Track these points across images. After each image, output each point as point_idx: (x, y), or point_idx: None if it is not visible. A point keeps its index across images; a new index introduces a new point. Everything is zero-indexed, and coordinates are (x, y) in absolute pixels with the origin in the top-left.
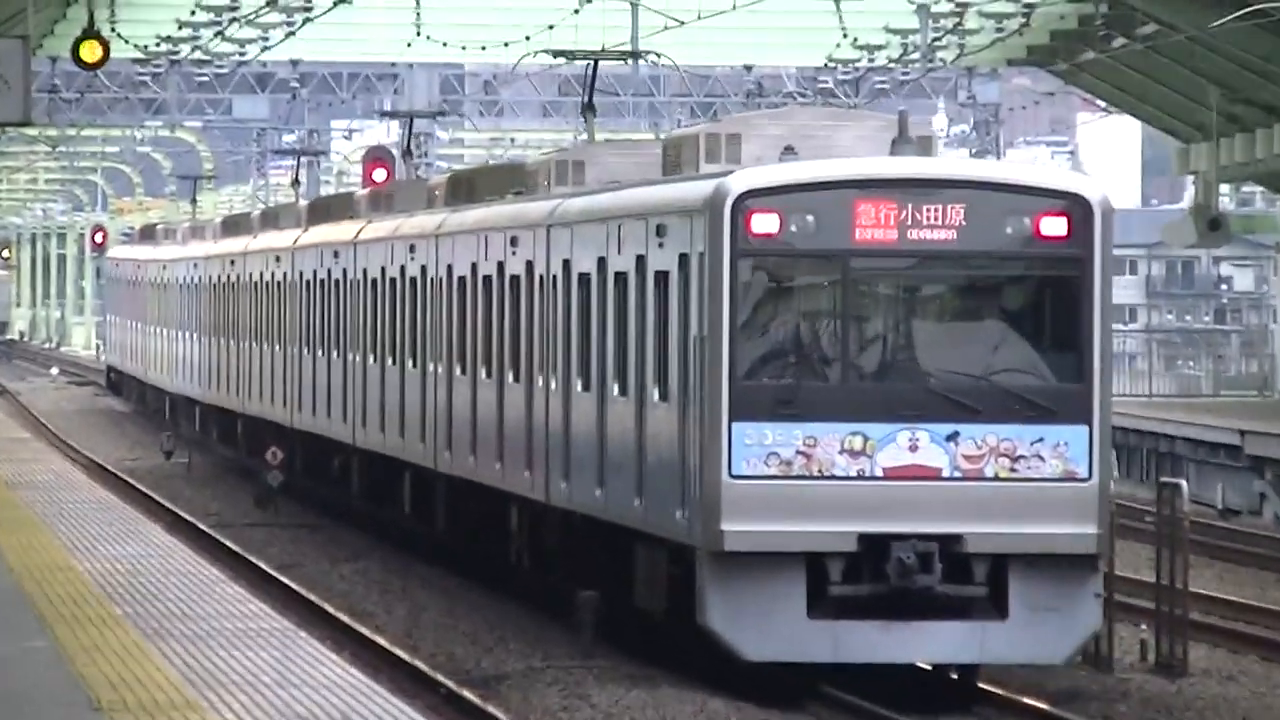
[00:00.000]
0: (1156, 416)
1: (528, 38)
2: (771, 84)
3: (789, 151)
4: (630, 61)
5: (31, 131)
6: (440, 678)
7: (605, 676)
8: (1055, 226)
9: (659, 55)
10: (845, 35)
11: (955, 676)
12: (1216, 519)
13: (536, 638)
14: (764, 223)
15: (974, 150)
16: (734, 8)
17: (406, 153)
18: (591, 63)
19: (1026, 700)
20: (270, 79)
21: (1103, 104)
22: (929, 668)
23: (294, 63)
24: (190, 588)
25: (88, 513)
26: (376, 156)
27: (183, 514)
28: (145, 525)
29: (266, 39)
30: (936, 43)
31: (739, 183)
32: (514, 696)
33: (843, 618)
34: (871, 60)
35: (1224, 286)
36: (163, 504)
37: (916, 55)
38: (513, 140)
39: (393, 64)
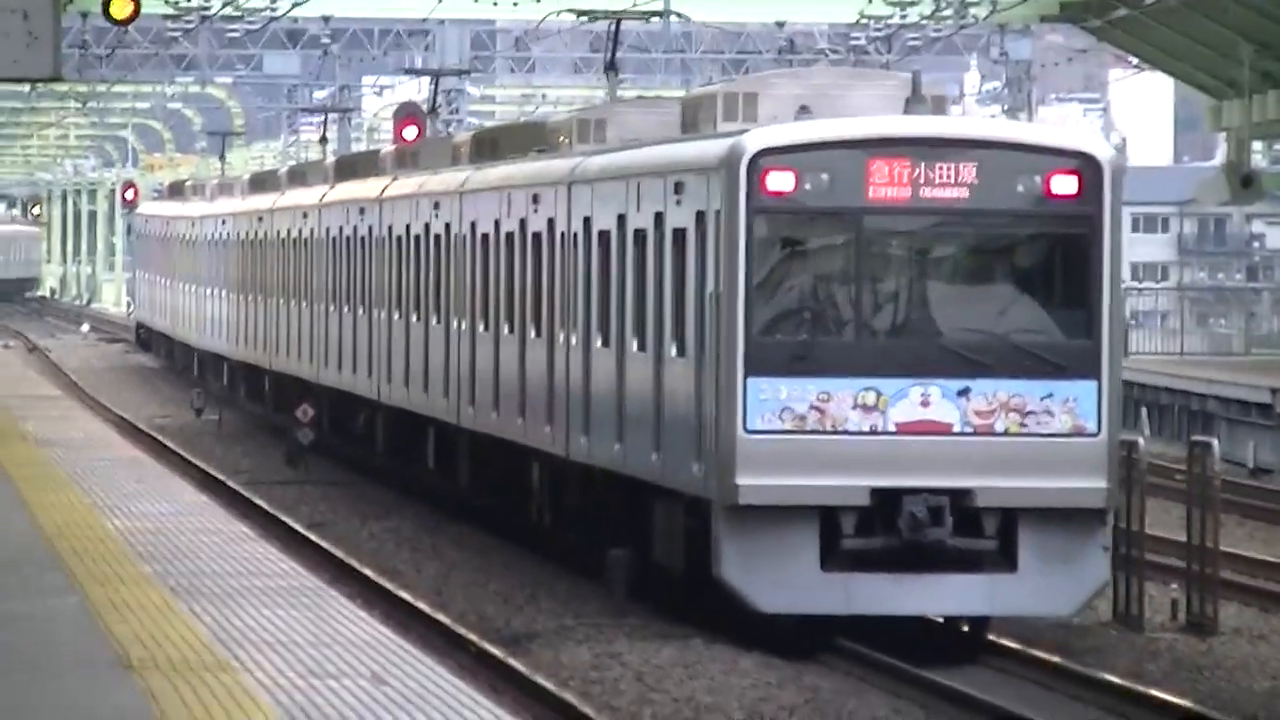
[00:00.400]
0: (1188, 375)
1: None
2: (803, 41)
3: (804, 111)
4: (660, 19)
5: (62, 87)
6: (470, 636)
7: (637, 635)
8: (1066, 185)
9: (679, 15)
10: None
11: (966, 629)
12: (1248, 478)
13: (568, 596)
14: (779, 181)
15: (1006, 107)
16: None
17: (432, 111)
18: (614, 22)
19: (1037, 653)
20: (301, 35)
21: (1135, 61)
22: (940, 620)
23: (325, 19)
24: (220, 546)
25: (117, 470)
26: (408, 113)
27: (213, 472)
28: (175, 483)
29: None
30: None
31: (754, 141)
32: (545, 655)
33: (855, 570)
34: (904, 17)
35: (1256, 244)
36: (193, 462)
37: (949, 12)
38: (544, 97)
39: (424, 20)
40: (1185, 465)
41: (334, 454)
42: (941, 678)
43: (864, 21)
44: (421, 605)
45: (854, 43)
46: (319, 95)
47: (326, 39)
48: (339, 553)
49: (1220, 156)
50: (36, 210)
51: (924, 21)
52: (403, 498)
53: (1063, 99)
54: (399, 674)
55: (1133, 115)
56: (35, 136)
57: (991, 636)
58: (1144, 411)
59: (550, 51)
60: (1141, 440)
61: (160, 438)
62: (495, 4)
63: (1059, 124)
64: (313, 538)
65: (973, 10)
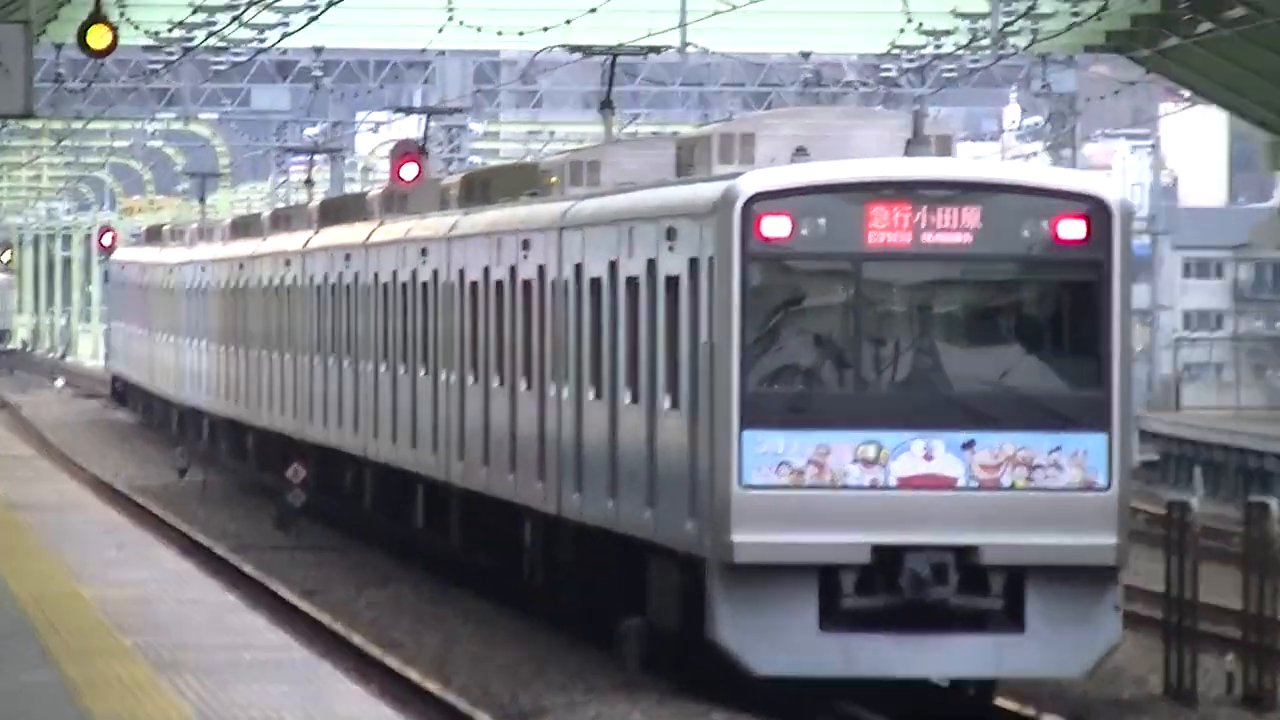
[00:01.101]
0: (1244, 430)
1: (568, 21)
2: (830, 73)
3: (800, 153)
4: (676, 51)
5: (35, 124)
6: (475, 712)
7: (651, 711)
8: (1073, 229)
9: (696, 46)
10: (910, 20)
11: (972, 692)
12: None
13: (578, 668)
14: (774, 226)
15: (1048, 144)
16: None
17: (422, 150)
18: (610, 59)
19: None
20: (291, 67)
21: (1187, 94)
22: (945, 683)
23: (317, 50)
24: (206, 616)
25: (96, 536)
26: (405, 151)
27: (198, 536)
28: (157, 549)
29: (288, 24)
30: (1008, 28)
31: (748, 185)
32: None
33: (856, 630)
34: (938, 47)
35: None
36: (176, 526)
37: (987, 41)
38: (552, 133)
39: (423, 50)
40: (1242, 527)
41: (327, 516)
42: None
43: (895, 52)
44: (423, 680)
45: (884, 75)
46: (310, 132)
47: (318, 71)
48: (333, 623)
49: (1278, 197)
50: (7, 257)
51: (960, 52)
52: (401, 564)
53: (1109, 135)
54: None
55: (1184, 152)
56: (5, 177)
57: (1048, 717)
58: (1197, 470)
59: (559, 85)
60: (1195, 501)
61: (141, 500)
62: (499, 34)
63: (1092, 164)
64: (305, 607)
65: (1012, 40)
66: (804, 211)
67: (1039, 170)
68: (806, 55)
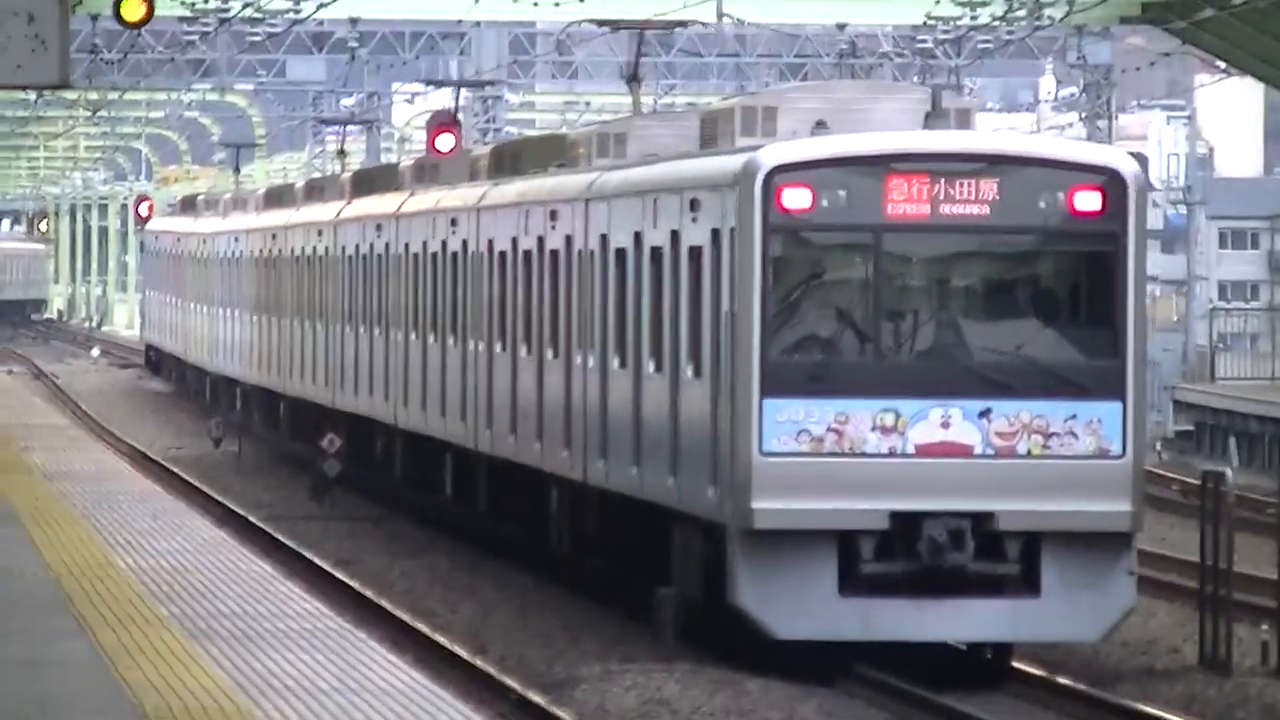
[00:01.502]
0: None
1: None
2: (866, 44)
3: (820, 126)
4: (702, 25)
5: (71, 95)
6: (510, 681)
7: (687, 680)
8: (1089, 201)
9: (733, 18)
10: None
11: (989, 656)
12: None
13: (614, 637)
14: (795, 198)
15: (1083, 115)
16: None
17: (454, 122)
18: (638, 32)
19: (1061, 679)
20: (327, 38)
21: (1223, 65)
22: (964, 647)
23: (353, 21)
24: (241, 586)
25: (130, 505)
26: (441, 122)
27: (232, 506)
28: (192, 518)
29: None
30: None
31: (769, 157)
32: (589, 702)
33: (874, 595)
34: (974, 18)
35: None
36: (211, 495)
37: (1022, 12)
38: (588, 104)
39: (459, 21)
40: (1277, 498)
41: (359, 486)
42: (981, 710)
43: (931, 23)
44: (457, 649)
45: (920, 46)
46: (346, 103)
47: (354, 43)
48: (368, 592)
49: None
50: (43, 226)
51: (995, 23)
52: (434, 534)
53: (1145, 105)
54: None
55: (1220, 123)
56: (42, 148)
57: (1061, 679)
58: (1232, 441)
59: (595, 55)
60: (1230, 472)
61: (176, 469)
62: (536, 4)
63: (1127, 135)
64: (340, 576)
65: (1048, 11)
66: (824, 184)
67: (1055, 142)
68: (842, 27)
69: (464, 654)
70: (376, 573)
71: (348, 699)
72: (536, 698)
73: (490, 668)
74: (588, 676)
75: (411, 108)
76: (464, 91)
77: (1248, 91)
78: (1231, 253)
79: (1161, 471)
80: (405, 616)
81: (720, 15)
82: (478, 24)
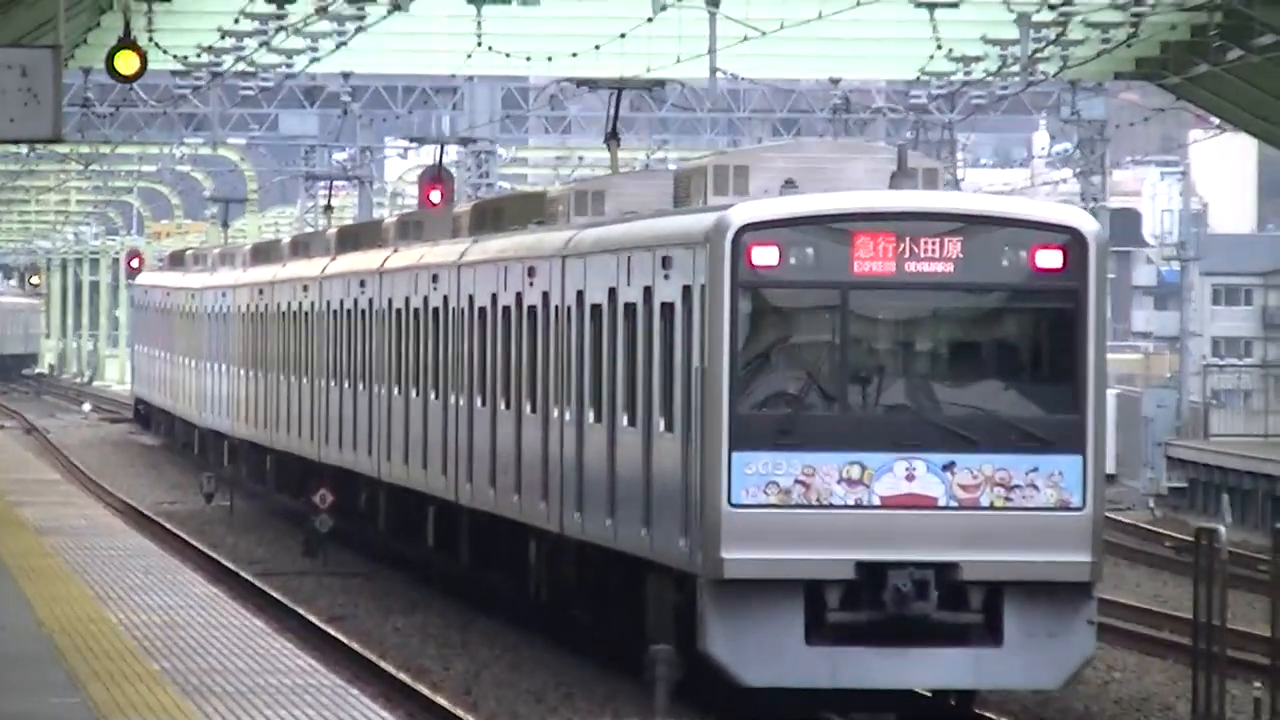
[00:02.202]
0: (1273, 458)
1: (597, 47)
2: (859, 99)
3: (789, 185)
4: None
5: (63, 149)
6: None
7: None
8: (1051, 259)
9: (724, 73)
10: (939, 46)
11: (954, 703)
12: None
13: (605, 695)
14: (764, 255)
15: (1078, 170)
16: (820, 16)
17: (437, 178)
18: (614, 92)
19: None
20: (320, 93)
21: (1217, 120)
22: (928, 694)
23: (345, 75)
24: (234, 641)
25: (122, 561)
26: (433, 177)
27: (225, 562)
28: (184, 574)
29: (316, 50)
30: (1038, 54)
31: (739, 216)
32: None
33: (841, 644)
34: (968, 73)
35: None
36: (203, 551)
37: (1016, 68)
38: (580, 159)
39: (452, 76)
40: (1270, 555)
41: (345, 539)
42: None
43: (924, 79)
44: (450, 705)
45: (914, 101)
46: (338, 157)
47: (347, 97)
48: (361, 649)
49: None
50: (35, 281)
51: (989, 78)
52: (427, 590)
53: (1139, 161)
54: None
55: (1214, 179)
56: (34, 201)
57: None
58: (1225, 497)
59: (588, 110)
60: (1223, 528)
61: (168, 525)
62: (529, 59)
63: (1121, 190)
64: (332, 632)
65: (1042, 66)
66: (792, 242)
67: (1018, 202)
68: (836, 82)
69: (458, 711)
70: (369, 628)
71: None
72: None
73: None
74: None
75: (404, 162)
76: (457, 147)
77: (1241, 148)
78: (1225, 309)
79: (1154, 528)
80: (398, 673)
81: (713, 70)
82: (471, 79)
